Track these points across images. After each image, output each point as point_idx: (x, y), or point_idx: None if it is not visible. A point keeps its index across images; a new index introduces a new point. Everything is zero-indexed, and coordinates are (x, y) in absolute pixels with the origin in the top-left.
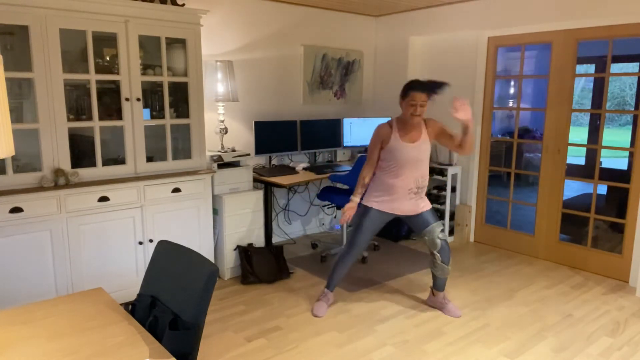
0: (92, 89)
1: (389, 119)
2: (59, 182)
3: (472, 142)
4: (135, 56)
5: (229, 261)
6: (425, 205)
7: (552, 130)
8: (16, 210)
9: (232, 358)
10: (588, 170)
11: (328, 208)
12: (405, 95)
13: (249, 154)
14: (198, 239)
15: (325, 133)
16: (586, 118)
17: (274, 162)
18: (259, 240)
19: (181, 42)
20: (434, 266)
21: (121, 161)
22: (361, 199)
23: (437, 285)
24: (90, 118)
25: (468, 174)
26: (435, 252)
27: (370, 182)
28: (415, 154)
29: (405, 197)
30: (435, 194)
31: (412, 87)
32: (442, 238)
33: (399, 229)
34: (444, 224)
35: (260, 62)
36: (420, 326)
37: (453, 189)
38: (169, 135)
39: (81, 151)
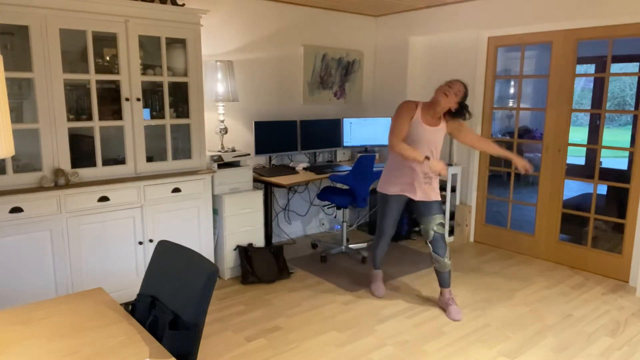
0: (92, 89)
1: (389, 118)
2: (59, 182)
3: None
4: (135, 56)
5: (229, 261)
6: (435, 195)
7: (552, 130)
8: (16, 210)
9: (232, 358)
10: (588, 170)
11: (328, 208)
12: (446, 84)
13: (249, 154)
14: (198, 239)
15: (325, 133)
16: (586, 118)
17: (274, 162)
18: (259, 240)
19: (181, 42)
20: (431, 258)
21: (121, 161)
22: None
23: (440, 281)
24: (90, 118)
25: (468, 174)
26: (428, 242)
27: (387, 167)
28: (432, 137)
29: (421, 181)
30: None
31: (457, 80)
32: (437, 231)
33: (399, 229)
34: (444, 219)
35: (260, 62)
36: (420, 326)
37: (453, 189)
38: (169, 135)
39: (81, 151)
